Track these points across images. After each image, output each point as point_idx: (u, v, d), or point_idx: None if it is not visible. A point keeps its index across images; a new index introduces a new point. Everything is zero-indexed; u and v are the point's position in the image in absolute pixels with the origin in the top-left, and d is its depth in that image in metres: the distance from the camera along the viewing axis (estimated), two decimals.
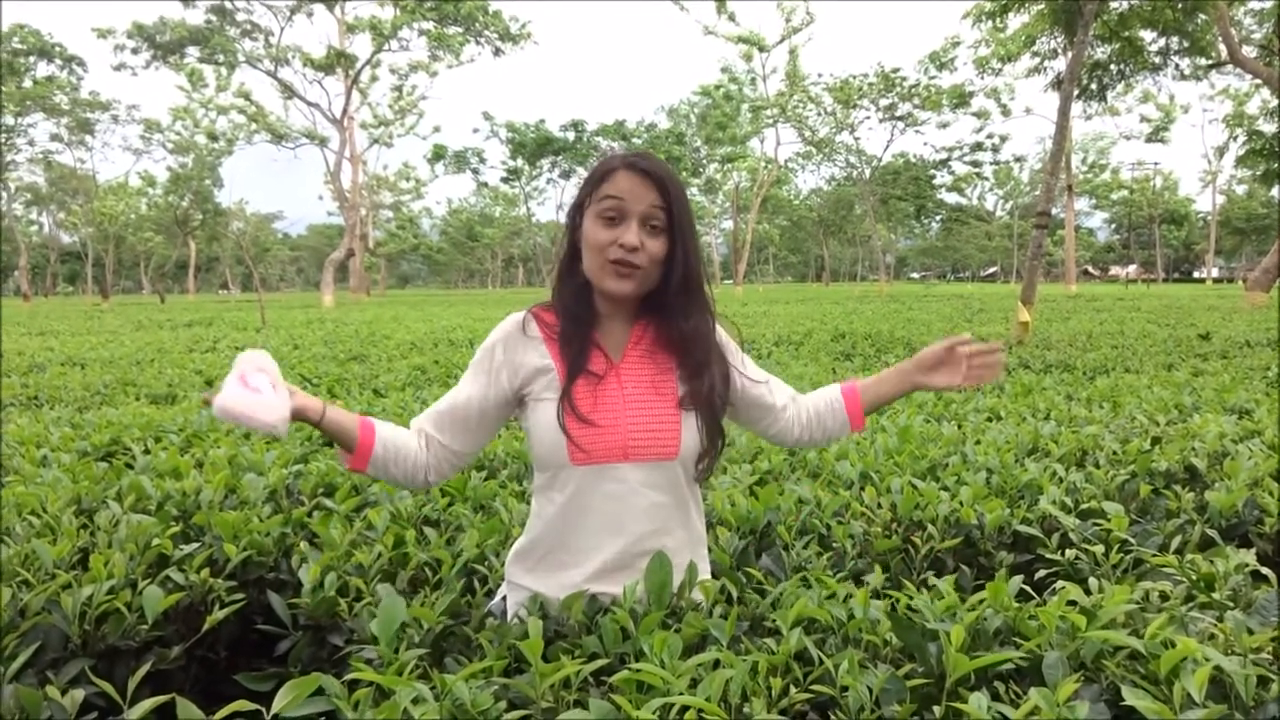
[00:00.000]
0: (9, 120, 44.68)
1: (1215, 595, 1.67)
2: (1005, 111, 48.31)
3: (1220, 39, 19.94)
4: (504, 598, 1.76)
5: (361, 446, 1.61)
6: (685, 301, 1.66)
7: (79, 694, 1.36)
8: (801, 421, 1.86)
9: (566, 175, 55.13)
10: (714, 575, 1.87)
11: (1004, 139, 52.85)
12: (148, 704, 1.27)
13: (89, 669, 1.56)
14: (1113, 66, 19.46)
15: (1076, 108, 21.23)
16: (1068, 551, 2.12)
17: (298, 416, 1.54)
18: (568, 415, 1.60)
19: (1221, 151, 65.92)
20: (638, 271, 1.60)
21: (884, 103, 45.16)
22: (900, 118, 46.24)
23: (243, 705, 1.16)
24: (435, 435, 1.68)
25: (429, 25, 40.33)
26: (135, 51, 38.49)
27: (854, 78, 44.19)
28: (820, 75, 48.28)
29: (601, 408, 1.62)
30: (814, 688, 1.29)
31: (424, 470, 1.68)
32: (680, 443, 1.64)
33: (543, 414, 1.63)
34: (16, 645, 1.56)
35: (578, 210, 1.65)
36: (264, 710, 1.17)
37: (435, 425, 1.69)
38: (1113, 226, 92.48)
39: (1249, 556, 1.82)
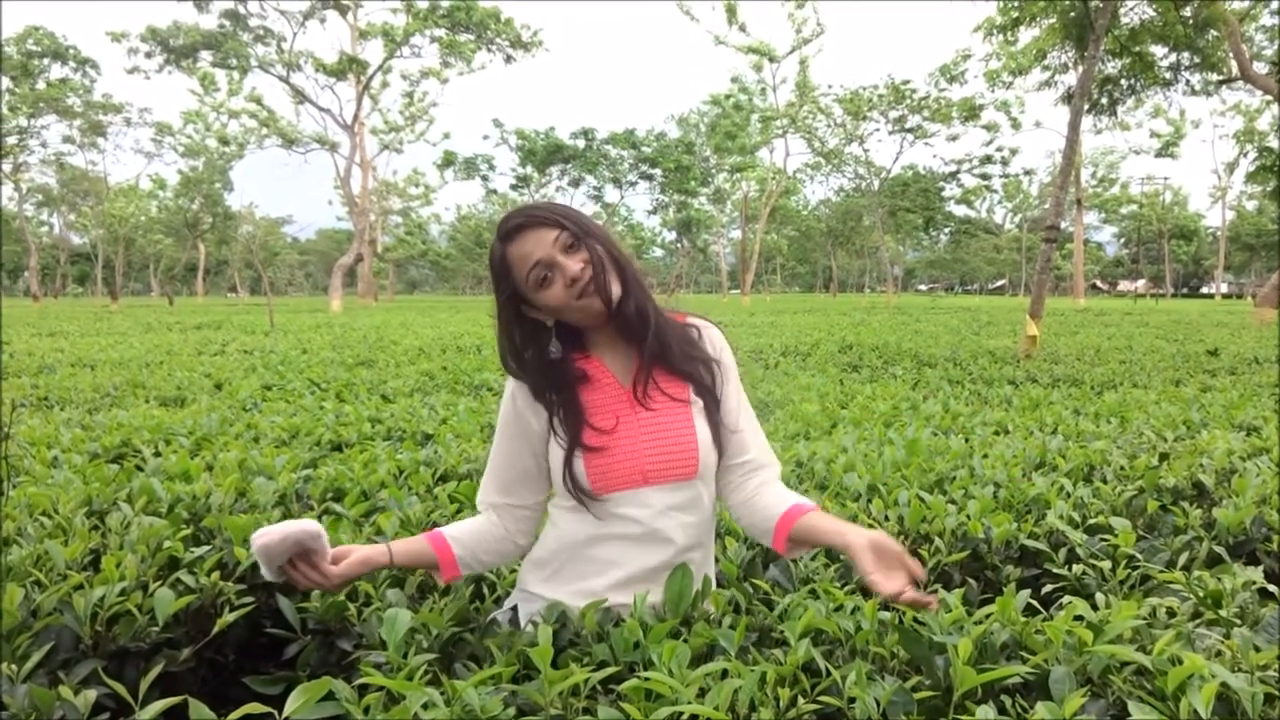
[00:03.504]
0: (22, 122, 44.85)
1: (1222, 612, 1.67)
2: (1015, 125, 48.22)
3: (1231, 55, 19.94)
4: (513, 607, 1.76)
5: (444, 560, 1.70)
6: (622, 283, 1.64)
7: (91, 694, 1.37)
8: (746, 492, 1.72)
9: (576, 183, 55.11)
10: (719, 582, 1.88)
11: (1014, 152, 52.72)
12: (158, 705, 1.28)
13: (100, 670, 1.57)
14: (1123, 81, 19.44)
15: (1086, 122, 21.21)
16: (1075, 566, 2.12)
17: (366, 568, 1.63)
18: (583, 460, 1.63)
19: (1232, 167, 65.94)
20: (595, 283, 1.60)
21: (894, 115, 45.09)
22: (910, 130, 46.17)
23: (255, 708, 1.17)
24: (504, 501, 1.75)
25: (441, 32, 40.45)
26: (148, 55, 38.66)
27: (864, 89, 44.16)
28: (830, 86, 48.11)
29: (618, 436, 1.64)
30: (821, 699, 1.29)
31: (509, 540, 1.76)
32: (698, 459, 1.65)
33: (562, 448, 1.67)
34: (29, 645, 1.56)
35: (511, 302, 1.66)
36: (275, 713, 1.17)
37: (500, 492, 1.75)
38: (1122, 241, 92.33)
39: (1256, 574, 1.82)
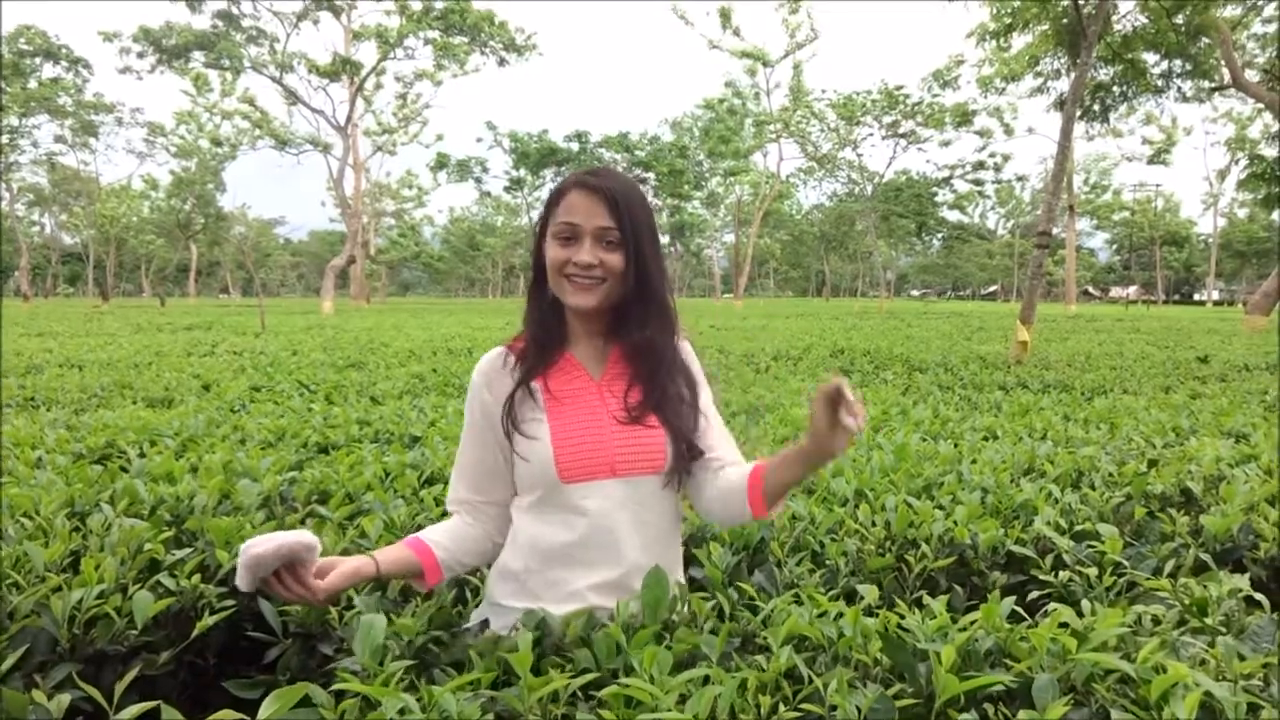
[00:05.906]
0: (14, 121, 44.76)
1: (1208, 620, 1.66)
2: (1008, 131, 48.47)
3: (1223, 63, 20.02)
4: (483, 621, 1.72)
5: (427, 565, 1.67)
6: (641, 312, 1.65)
7: (65, 698, 1.35)
8: (716, 482, 1.68)
9: None
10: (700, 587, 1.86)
11: (1006, 158, 52.98)
12: (134, 710, 1.26)
13: (76, 673, 1.55)
14: (1115, 88, 19.54)
15: (1079, 128, 21.33)
16: (1061, 573, 2.11)
17: (354, 580, 1.58)
18: (552, 446, 1.61)
19: (1223, 174, 66.41)
20: (600, 285, 1.61)
21: (887, 120, 45.33)
22: (903, 135, 46.39)
23: (228, 715, 1.16)
24: (476, 499, 1.73)
25: (434, 34, 40.46)
26: (141, 55, 38.61)
27: (858, 94, 44.35)
28: (824, 91, 48.41)
29: (588, 425, 1.63)
30: (803, 706, 1.28)
31: (487, 539, 1.74)
32: (667, 455, 1.64)
33: (530, 434, 1.64)
34: (5, 648, 1.55)
35: (541, 232, 1.67)
36: (250, 718, 1.16)
37: (471, 489, 1.73)
38: (1114, 247, 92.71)
39: (1243, 581, 1.82)
